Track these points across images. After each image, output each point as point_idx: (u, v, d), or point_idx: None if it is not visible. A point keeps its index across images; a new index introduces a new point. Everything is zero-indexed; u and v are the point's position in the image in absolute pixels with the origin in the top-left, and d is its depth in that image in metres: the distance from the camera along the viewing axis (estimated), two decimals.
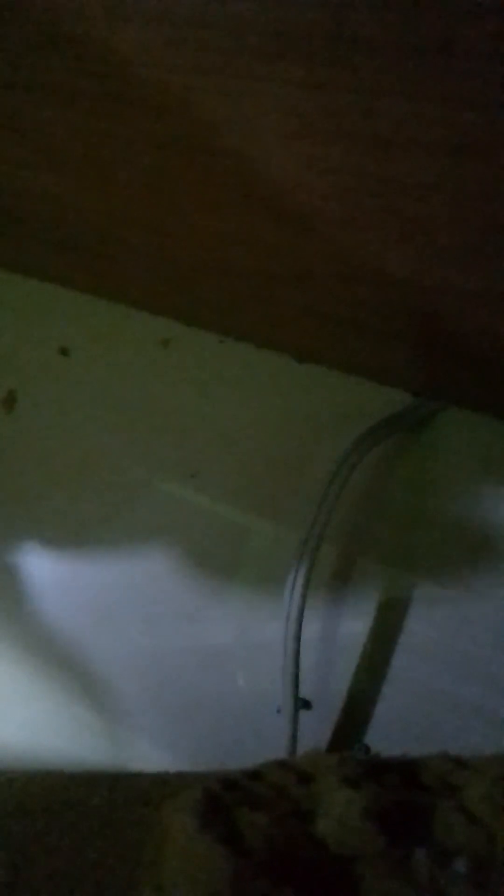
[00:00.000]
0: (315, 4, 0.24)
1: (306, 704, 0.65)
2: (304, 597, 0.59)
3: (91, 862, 0.28)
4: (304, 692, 0.65)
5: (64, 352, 0.78)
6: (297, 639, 0.60)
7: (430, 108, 0.26)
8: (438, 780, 0.36)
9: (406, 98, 0.26)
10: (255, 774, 0.35)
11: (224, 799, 0.32)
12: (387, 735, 0.65)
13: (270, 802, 0.32)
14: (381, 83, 0.26)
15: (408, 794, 0.34)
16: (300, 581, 0.59)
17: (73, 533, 0.78)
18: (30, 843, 0.28)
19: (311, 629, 0.63)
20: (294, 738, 0.61)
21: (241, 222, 0.45)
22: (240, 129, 0.34)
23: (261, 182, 0.38)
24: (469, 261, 0.37)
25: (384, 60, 0.25)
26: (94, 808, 0.31)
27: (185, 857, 0.28)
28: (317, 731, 0.66)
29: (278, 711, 0.63)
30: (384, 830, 0.30)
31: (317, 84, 0.28)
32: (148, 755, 0.70)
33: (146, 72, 0.33)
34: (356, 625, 0.65)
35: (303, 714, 0.65)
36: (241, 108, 0.32)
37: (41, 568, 0.79)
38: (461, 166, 0.29)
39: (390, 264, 0.41)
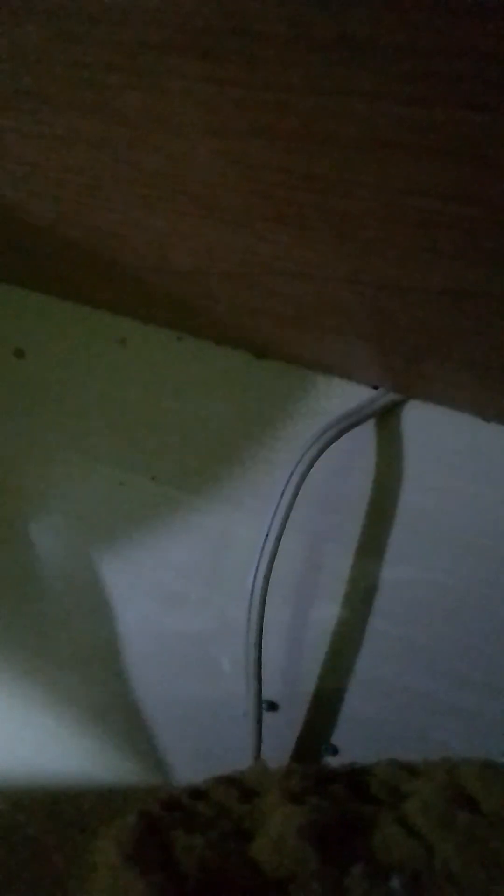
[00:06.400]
0: None
1: (272, 706, 0.65)
2: (263, 600, 0.58)
3: None
4: (270, 694, 0.64)
5: (19, 353, 0.77)
6: (259, 638, 0.59)
7: (339, 103, 0.25)
8: (386, 789, 0.35)
9: (313, 93, 0.25)
10: (197, 793, 0.34)
11: (162, 821, 0.31)
12: (356, 735, 0.65)
13: (210, 823, 0.31)
14: (285, 78, 0.25)
15: (352, 807, 0.33)
16: (259, 581, 0.58)
17: (35, 532, 0.76)
18: None
19: (274, 629, 0.63)
20: (259, 743, 0.61)
21: (177, 221, 0.43)
22: (158, 125, 0.33)
23: (189, 179, 0.37)
24: (404, 257, 0.36)
25: (286, 55, 0.24)
26: (29, 839, 0.30)
27: (108, 890, 0.28)
28: (284, 733, 0.66)
29: (244, 715, 0.62)
30: (320, 848, 0.29)
31: (223, 79, 0.27)
32: (107, 762, 0.69)
33: (56, 70, 0.32)
34: (321, 622, 0.65)
35: (270, 716, 0.65)
36: (155, 104, 0.31)
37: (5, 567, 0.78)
38: (381, 161, 0.28)
39: (330, 261, 0.40)
